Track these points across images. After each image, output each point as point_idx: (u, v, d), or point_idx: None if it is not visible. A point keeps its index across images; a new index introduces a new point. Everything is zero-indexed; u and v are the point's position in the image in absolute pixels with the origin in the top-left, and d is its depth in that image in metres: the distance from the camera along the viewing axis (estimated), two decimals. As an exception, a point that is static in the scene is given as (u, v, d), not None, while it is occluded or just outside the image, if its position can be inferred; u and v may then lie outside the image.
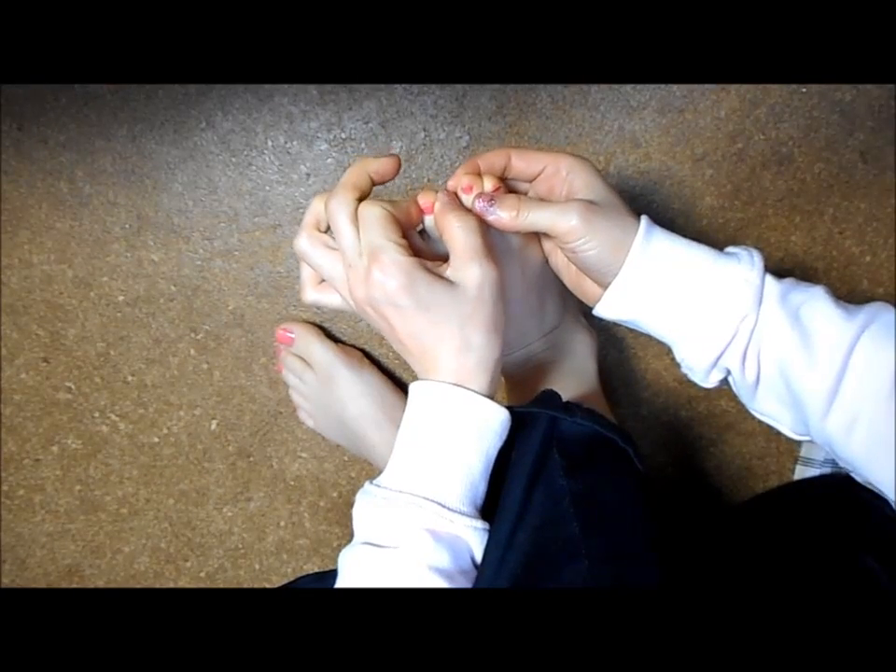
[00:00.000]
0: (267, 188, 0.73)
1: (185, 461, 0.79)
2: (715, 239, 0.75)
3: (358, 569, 0.46)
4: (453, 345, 0.47)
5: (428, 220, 0.51)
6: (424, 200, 0.50)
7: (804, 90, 0.72)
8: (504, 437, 0.49)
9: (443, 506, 0.46)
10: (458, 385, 0.47)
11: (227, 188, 0.73)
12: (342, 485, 0.80)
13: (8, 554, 0.80)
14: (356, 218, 0.48)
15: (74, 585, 0.81)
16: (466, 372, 0.48)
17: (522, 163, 0.52)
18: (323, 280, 0.55)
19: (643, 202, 0.75)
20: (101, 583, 0.81)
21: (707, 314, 0.47)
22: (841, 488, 0.65)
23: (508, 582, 0.45)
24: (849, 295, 0.78)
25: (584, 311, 0.66)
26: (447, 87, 0.71)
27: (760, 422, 0.52)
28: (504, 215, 0.49)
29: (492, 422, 0.48)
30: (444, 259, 0.50)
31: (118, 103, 0.71)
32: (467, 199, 0.50)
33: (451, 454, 0.47)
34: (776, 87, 0.72)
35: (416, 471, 0.47)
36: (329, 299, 0.55)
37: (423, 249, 0.52)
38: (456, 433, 0.47)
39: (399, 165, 0.50)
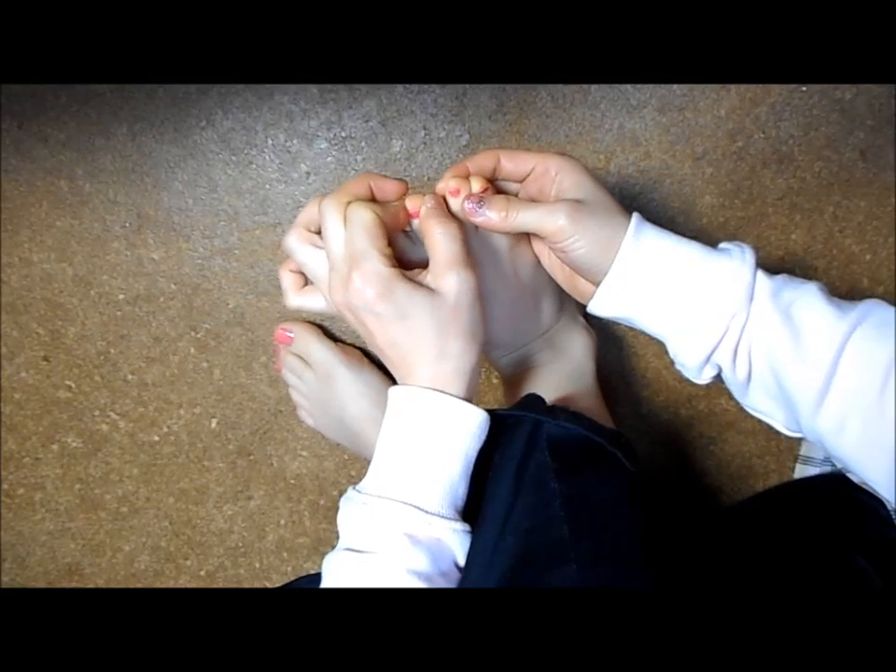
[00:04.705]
0: (267, 186, 0.73)
1: (185, 460, 0.79)
2: (715, 237, 0.75)
3: (338, 575, 0.47)
4: (430, 353, 0.48)
5: (416, 223, 0.51)
6: (412, 204, 0.51)
7: (804, 88, 0.72)
8: (483, 438, 0.49)
9: (421, 509, 0.46)
10: (434, 389, 0.48)
11: (227, 186, 0.73)
12: (342, 484, 0.80)
13: (8, 553, 0.80)
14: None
15: (74, 584, 0.81)
16: (442, 379, 0.48)
17: (511, 164, 0.52)
18: (305, 285, 0.56)
19: (643, 200, 0.75)
20: (101, 582, 0.81)
21: (698, 310, 0.47)
22: (838, 488, 0.65)
23: (496, 585, 0.45)
24: (849, 294, 0.77)
25: (583, 311, 0.66)
26: (447, 85, 0.71)
27: (760, 420, 0.52)
28: (493, 215, 0.49)
29: (469, 423, 0.48)
30: (427, 262, 0.50)
31: (118, 101, 0.71)
32: (455, 202, 0.50)
33: (428, 457, 0.47)
34: (776, 86, 0.72)
35: (394, 475, 0.48)
36: (313, 303, 0.56)
37: (410, 250, 0.52)
38: (433, 435, 0.47)
39: (405, 191, 0.51)
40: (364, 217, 0.47)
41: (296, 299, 0.57)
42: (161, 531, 0.81)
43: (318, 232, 0.52)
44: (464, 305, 0.48)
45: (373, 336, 0.49)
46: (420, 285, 0.48)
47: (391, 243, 0.48)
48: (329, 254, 0.49)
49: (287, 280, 0.57)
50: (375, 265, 0.46)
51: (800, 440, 0.80)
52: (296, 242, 0.53)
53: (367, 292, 0.46)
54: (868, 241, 0.76)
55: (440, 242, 0.48)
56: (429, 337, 0.47)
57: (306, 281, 0.57)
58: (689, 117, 0.73)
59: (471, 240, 0.51)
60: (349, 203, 0.48)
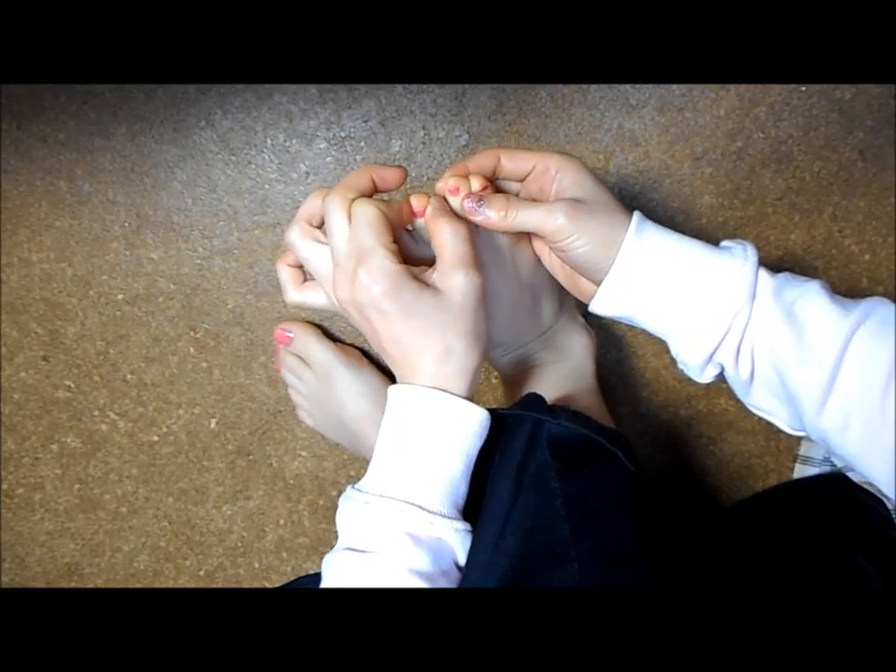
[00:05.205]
0: (266, 186, 0.73)
1: (184, 460, 0.79)
2: (714, 237, 0.75)
3: (339, 575, 0.46)
4: (434, 352, 0.47)
5: (419, 222, 0.51)
6: (416, 203, 0.50)
7: (803, 88, 0.72)
8: (484, 437, 0.49)
9: (423, 509, 0.46)
10: (435, 388, 0.48)
11: (226, 186, 0.73)
12: (341, 484, 0.80)
13: (8, 553, 0.80)
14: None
15: (73, 584, 0.81)
16: (444, 378, 0.48)
17: (511, 164, 0.52)
18: (304, 280, 0.56)
19: (642, 200, 0.75)
20: (100, 582, 0.81)
21: (700, 309, 0.47)
22: (838, 488, 0.65)
23: (496, 585, 0.45)
24: (849, 293, 0.77)
25: (583, 310, 0.66)
26: (446, 85, 0.71)
27: (759, 420, 0.52)
28: (492, 214, 0.49)
29: (470, 422, 0.48)
30: (429, 260, 0.50)
31: (117, 101, 0.71)
32: (454, 200, 0.50)
33: (430, 455, 0.47)
34: (775, 85, 0.72)
35: (396, 474, 0.47)
36: (313, 298, 0.55)
37: (411, 248, 0.52)
38: (434, 434, 0.47)
39: (405, 177, 0.51)
40: (370, 213, 0.47)
41: (296, 294, 0.56)
42: (160, 531, 0.81)
43: (320, 226, 0.52)
44: (470, 306, 0.48)
45: (377, 334, 0.48)
46: (427, 284, 0.47)
47: (396, 240, 0.48)
48: (334, 250, 0.48)
49: (286, 275, 0.56)
50: (382, 261, 0.46)
51: (799, 439, 0.80)
52: (298, 237, 0.52)
53: (374, 289, 0.46)
54: (867, 241, 0.76)
55: (449, 242, 0.48)
56: (434, 336, 0.47)
57: (305, 276, 0.57)
58: (688, 117, 0.73)
59: (475, 239, 0.51)
60: (354, 199, 0.48)
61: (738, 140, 0.73)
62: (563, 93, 0.72)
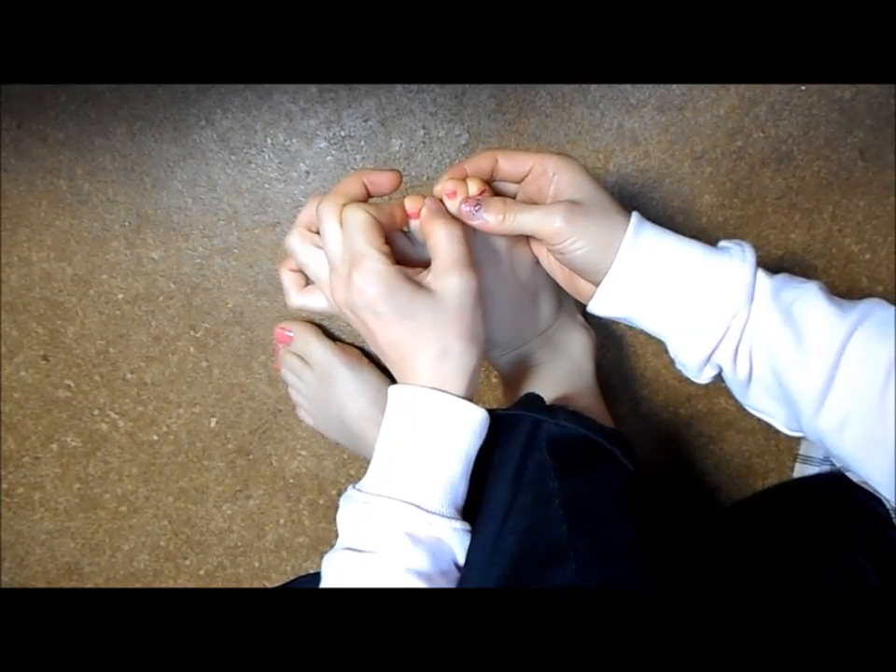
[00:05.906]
0: (266, 185, 0.73)
1: (184, 459, 0.79)
2: (714, 237, 0.75)
3: (338, 574, 0.47)
4: (431, 353, 0.48)
5: (414, 224, 0.51)
6: (411, 205, 0.51)
7: (803, 87, 0.72)
8: (483, 436, 0.49)
9: (422, 508, 0.46)
10: (434, 389, 0.48)
11: (226, 185, 0.73)
12: (341, 483, 0.80)
13: (8, 552, 0.80)
14: None
15: (73, 583, 0.81)
16: (442, 379, 0.48)
17: (508, 165, 0.52)
18: (306, 284, 0.57)
19: (642, 199, 0.75)
20: (100, 581, 0.81)
21: (698, 310, 0.47)
22: (837, 487, 0.65)
23: (495, 585, 0.45)
24: (849, 293, 0.77)
25: (582, 309, 0.66)
26: (446, 85, 0.71)
27: (759, 419, 0.52)
28: (490, 218, 0.49)
29: (469, 422, 0.48)
30: (426, 262, 0.50)
31: (117, 101, 0.71)
32: (451, 204, 0.50)
33: (428, 455, 0.47)
34: (775, 85, 0.72)
35: (395, 474, 0.48)
36: (315, 302, 0.56)
37: (406, 250, 0.53)
38: (433, 434, 0.47)
39: (399, 183, 0.51)
40: (358, 217, 0.47)
41: (298, 298, 0.57)
42: (160, 530, 0.81)
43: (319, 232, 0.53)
44: (467, 306, 0.48)
45: (375, 336, 0.49)
46: (421, 285, 0.48)
47: (390, 242, 0.48)
48: (329, 255, 0.49)
49: (288, 279, 0.57)
50: (375, 264, 0.46)
51: (799, 439, 0.80)
52: (298, 243, 0.53)
53: (368, 291, 0.46)
54: (867, 240, 0.76)
55: (443, 243, 0.48)
56: (431, 337, 0.47)
57: (307, 280, 0.57)
58: (688, 116, 0.73)
59: (471, 240, 0.51)
60: (344, 204, 0.49)
61: (738, 139, 0.73)
62: (563, 93, 0.72)
